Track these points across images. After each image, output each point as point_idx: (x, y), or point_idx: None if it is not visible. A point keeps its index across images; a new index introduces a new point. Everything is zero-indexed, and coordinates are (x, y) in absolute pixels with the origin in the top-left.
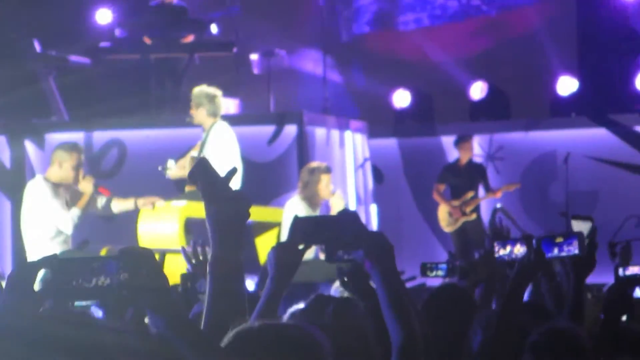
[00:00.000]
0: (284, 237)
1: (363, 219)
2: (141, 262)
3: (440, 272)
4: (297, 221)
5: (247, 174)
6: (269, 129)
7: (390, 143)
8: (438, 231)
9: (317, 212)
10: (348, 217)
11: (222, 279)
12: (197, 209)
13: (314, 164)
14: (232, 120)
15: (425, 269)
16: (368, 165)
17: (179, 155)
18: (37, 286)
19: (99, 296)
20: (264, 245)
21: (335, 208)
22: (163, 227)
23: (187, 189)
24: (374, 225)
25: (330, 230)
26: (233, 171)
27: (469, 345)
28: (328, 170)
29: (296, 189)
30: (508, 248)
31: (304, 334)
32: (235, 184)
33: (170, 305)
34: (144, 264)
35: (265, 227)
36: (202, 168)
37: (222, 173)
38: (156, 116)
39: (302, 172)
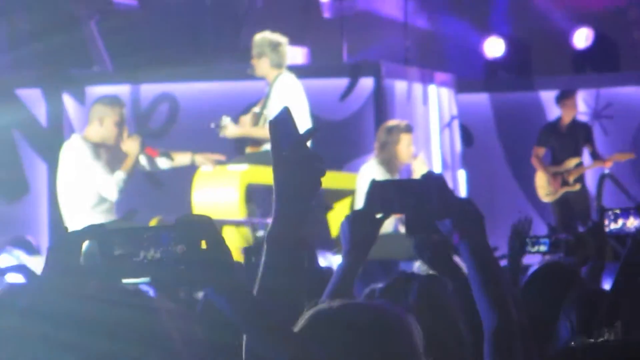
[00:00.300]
0: (358, 206)
1: (450, 186)
2: (201, 232)
3: (542, 248)
4: (374, 186)
5: (318, 134)
6: (342, 82)
7: (481, 99)
8: (536, 201)
9: (396, 177)
10: (433, 182)
11: (281, 254)
12: (260, 174)
13: (393, 122)
14: (299, 71)
15: (523, 242)
16: (456, 125)
17: (237, 112)
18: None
19: (152, 272)
20: (337, 216)
21: (418, 173)
22: (221, 194)
23: (249, 150)
24: (462, 193)
25: (412, 196)
26: (313, 130)
27: (558, 330)
28: (409, 129)
29: (372, 152)
30: (620, 221)
31: (393, 315)
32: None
33: (235, 284)
34: (204, 235)
35: (338, 195)
36: (285, 118)
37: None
38: (212, 67)
39: (379, 131)
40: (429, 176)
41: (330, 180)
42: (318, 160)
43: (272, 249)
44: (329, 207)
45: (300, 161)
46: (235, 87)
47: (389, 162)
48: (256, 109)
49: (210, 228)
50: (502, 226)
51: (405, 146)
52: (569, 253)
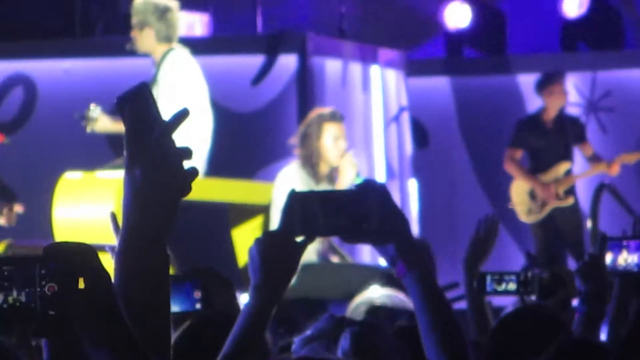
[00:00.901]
0: (274, 226)
1: (396, 200)
2: (78, 266)
3: (511, 286)
4: (294, 199)
5: (220, 129)
6: (254, 61)
7: (439, 84)
8: (511, 221)
9: (323, 186)
10: (372, 194)
11: (134, 289)
12: None
13: (319, 110)
14: (197, 46)
15: (482, 279)
16: (405, 118)
17: (113, 99)
18: None
19: (15, 321)
20: (245, 239)
21: (345, 176)
22: (92, 210)
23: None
24: (412, 210)
25: (343, 214)
26: (182, 114)
27: None
28: (335, 117)
29: (292, 149)
30: (624, 253)
31: None
32: (199, 144)
33: (119, 333)
34: (82, 270)
35: (247, 212)
36: (141, 96)
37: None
38: (80, 41)
39: (299, 128)
40: (367, 186)
41: (238, 192)
42: (185, 156)
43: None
44: (234, 228)
45: (161, 156)
46: (111, 67)
47: (311, 164)
48: None
49: (91, 260)
50: (463, 253)
51: (330, 140)
52: (544, 294)
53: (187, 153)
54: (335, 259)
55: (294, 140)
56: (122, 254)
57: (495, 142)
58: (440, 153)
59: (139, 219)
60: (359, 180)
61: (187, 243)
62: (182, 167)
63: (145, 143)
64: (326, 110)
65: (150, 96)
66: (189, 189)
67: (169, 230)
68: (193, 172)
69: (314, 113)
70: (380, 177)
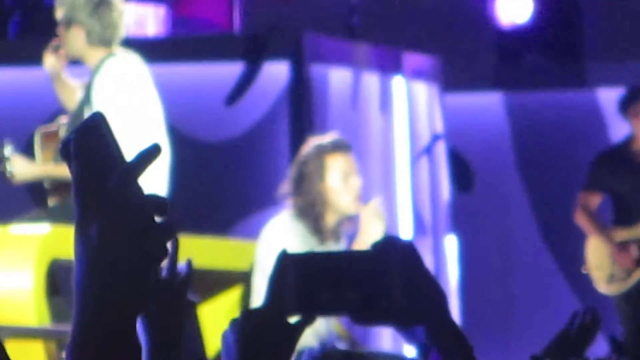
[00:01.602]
0: (257, 302)
1: (429, 263)
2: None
3: None
4: (286, 263)
5: (182, 166)
6: (231, 70)
7: (488, 102)
8: (587, 290)
9: (329, 245)
10: (396, 256)
11: None
12: (71, 242)
13: (318, 139)
14: (149, 50)
15: None
16: (441, 150)
17: (31, 130)
18: None
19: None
20: (217, 319)
21: (368, 233)
22: (4, 279)
23: (53, 200)
24: (450, 278)
25: (356, 285)
26: (152, 151)
27: None
28: (340, 146)
29: (284, 199)
30: None
31: None
32: (151, 187)
33: None
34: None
35: (219, 281)
36: (96, 130)
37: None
38: None
39: (296, 157)
40: (388, 246)
41: (207, 254)
42: (158, 208)
43: None
44: (202, 303)
45: (123, 211)
46: (27, 80)
47: (313, 215)
48: (64, 121)
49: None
50: (522, 333)
51: (338, 178)
52: None
53: (160, 204)
54: (342, 346)
55: (284, 187)
56: (77, 350)
57: (565, 184)
58: (490, 199)
59: (98, 298)
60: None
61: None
62: (153, 222)
63: (103, 192)
64: (326, 138)
65: (107, 130)
66: (164, 253)
67: (139, 312)
68: (169, 229)
69: (310, 144)
70: (406, 232)
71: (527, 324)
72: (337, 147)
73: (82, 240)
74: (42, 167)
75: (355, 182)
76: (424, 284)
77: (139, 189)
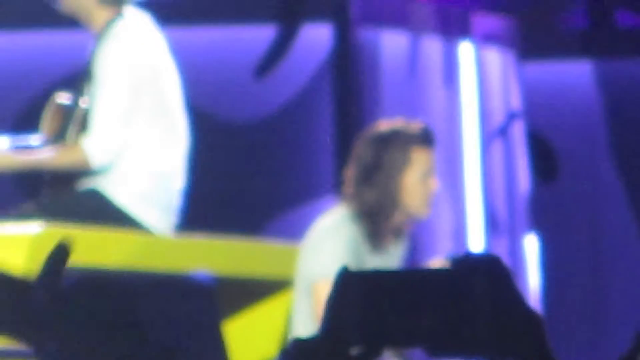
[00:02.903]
0: (299, 329)
1: (512, 271)
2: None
3: None
4: (348, 284)
5: (204, 151)
6: (262, 35)
7: (578, 72)
8: None
9: (385, 253)
10: (480, 276)
11: None
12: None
13: (388, 124)
14: (164, 12)
15: None
16: (520, 131)
17: (19, 106)
18: None
19: None
20: (250, 339)
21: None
22: None
23: (47, 194)
24: (532, 284)
25: (432, 308)
26: (58, 252)
27: None
28: (430, 139)
29: (333, 195)
30: None
31: None
32: (164, 177)
33: None
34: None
35: (251, 292)
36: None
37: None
38: None
39: (355, 147)
40: (473, 263)
41: (235, 258)
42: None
43: None
44: (228, 318)
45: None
46: (16, 47)
47: (376, 215)
48: (62, 99)
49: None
50: (617, 353)
51: (418, 177)
52: None
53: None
54: None
55: (348, 173)
56: None
57: None
58: (578, 190)
59: None
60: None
61: (146, 343)
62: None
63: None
64: (413, 126)
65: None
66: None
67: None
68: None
69: (380, 128)
70: (477, 232)
71: (621, 335)
72: (426, 140)
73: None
74: (28, 158)
75: (433, 184)
76: (515, 308)
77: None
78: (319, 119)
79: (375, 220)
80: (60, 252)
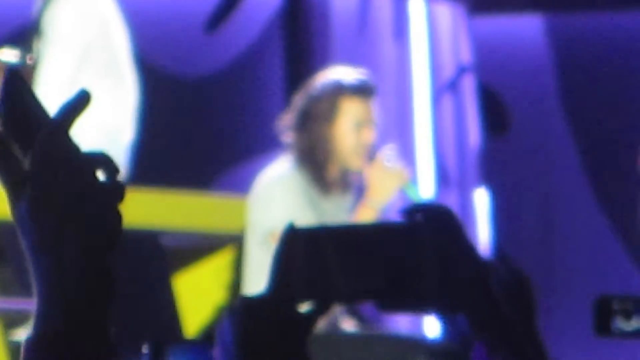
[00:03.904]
0: (255, 281)
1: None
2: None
3: None
4: (295, 239)
5: (153, 107)
6: None
7: (527, 26)
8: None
9: (334, 199)
10: (431, 226)
11: None
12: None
13: (326, 74)
14: None
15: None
16: (469, 86)
17: None
18: None
19: None
20: (200, 289)
21: (378, 192)
22: None
23: None
24: (482, 239)
25: (383, 263)
26: (81, 99)
27: None
28: (365, 90)
29: (279, 147)
30: None
31: None
32: (114, 134)
33: None
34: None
35: (200, 246)
36: (11, 81)
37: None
38: None
39: (295, 98)
40: (423, 213)
41: (185, 212)
42: (103, 166)
43: None
44: (180, 273)
45: (57, 177)
46: None
47: (315, 162)
48: (7, 56)
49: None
50: (567, 309)
51: (350, 127)
52: None
53: (101, 160)
54: (351, 327)
55: (284, 121)
56: (34, 347)
57: (622, 126)
58: (528, 144)
59: (47, 291)
60: (408, 204)
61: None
62: (97, 185)
63: (28, 154)
64: (348, 75)
65: (23, 86)
66: (119, 220)
67: (106, 304)
68: (119, 189)
69: (325, 77)
70: (427, 186)
71: (572, 289)
72: (359, 91)
73: (16, 220)
74: None
75: (368, 135)
76: (466, 261)
77: (72, 146)
78: (269, 73)
79: (313, 168)
80: (80, 100)
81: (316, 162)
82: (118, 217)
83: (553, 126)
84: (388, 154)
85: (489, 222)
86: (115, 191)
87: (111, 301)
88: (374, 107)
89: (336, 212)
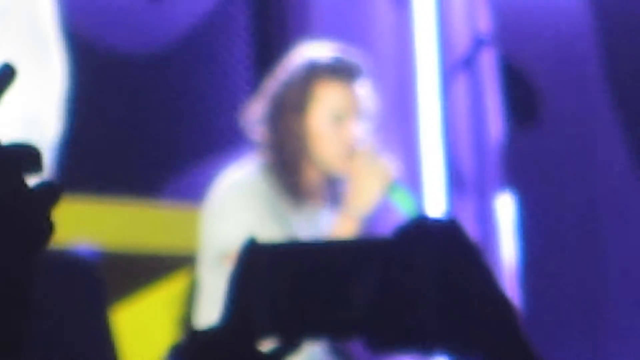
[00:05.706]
0: (207, 311)
1: (477, 241)
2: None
3: None
4: (257, 257)
5: (89, 92)
6: None
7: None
8: None
9: (309, 212)
10: (432, 245)
11: None
12: None
13: (314, 49)
14: None
15: None
16: (487, 62)
17: None
18: None
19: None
20: (143, 321)
21: (360, 195)
22: None
23: None
24: (505, 255)
25: (371, 291)
26: (5, 74)
27: None
28: (344, 71)
29: (246, 144)
30: None
31: None
32: (35, 125)
33: None
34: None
35: (144, 268)
36: None
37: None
38: None
39: (265, 83)
40: (422, 227)
41: (124, 227)
42: (31, 163)
43: None
44: (118, 303)
45: None
46: None
47: (286, 166)
48: None
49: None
50: (615, 341)
51: (328, 119)
52: None
53: (28, 155)
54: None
55: (251, 112)
56: None
57: None
58: (563, 137)
59: None
60: (407, 216)
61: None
62: (23, 185)
63: None
64: (323, 52)
65: None
66: (46, 233)
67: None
68: (51, 192)
69: (300, 55)
70: (435, 192)
71: (620, 318)
72: (338, 72)
73: None
74: None
75: (351, 129)
76: (479, 290)
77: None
78: (232, 50)
79: (283, 172)
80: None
81: (286, 164)
82: (48, 224)
83: (596, 113)
84: (371, 154)
85: (515, 236)
86: (47, 193)
87: (22, 331)
88: (360, 93)
89: (310, 227)
